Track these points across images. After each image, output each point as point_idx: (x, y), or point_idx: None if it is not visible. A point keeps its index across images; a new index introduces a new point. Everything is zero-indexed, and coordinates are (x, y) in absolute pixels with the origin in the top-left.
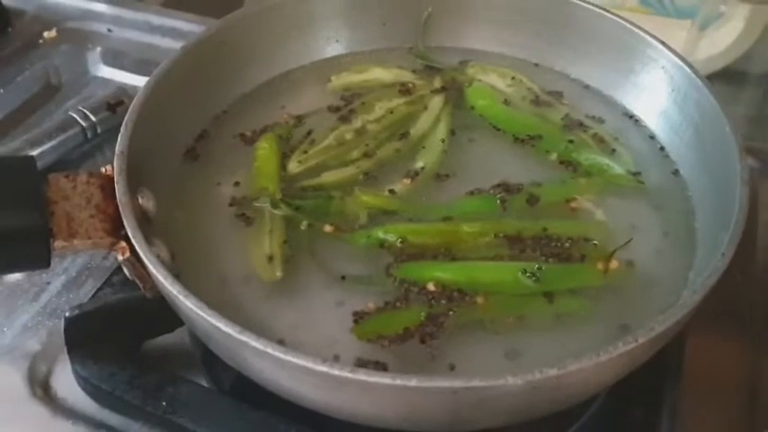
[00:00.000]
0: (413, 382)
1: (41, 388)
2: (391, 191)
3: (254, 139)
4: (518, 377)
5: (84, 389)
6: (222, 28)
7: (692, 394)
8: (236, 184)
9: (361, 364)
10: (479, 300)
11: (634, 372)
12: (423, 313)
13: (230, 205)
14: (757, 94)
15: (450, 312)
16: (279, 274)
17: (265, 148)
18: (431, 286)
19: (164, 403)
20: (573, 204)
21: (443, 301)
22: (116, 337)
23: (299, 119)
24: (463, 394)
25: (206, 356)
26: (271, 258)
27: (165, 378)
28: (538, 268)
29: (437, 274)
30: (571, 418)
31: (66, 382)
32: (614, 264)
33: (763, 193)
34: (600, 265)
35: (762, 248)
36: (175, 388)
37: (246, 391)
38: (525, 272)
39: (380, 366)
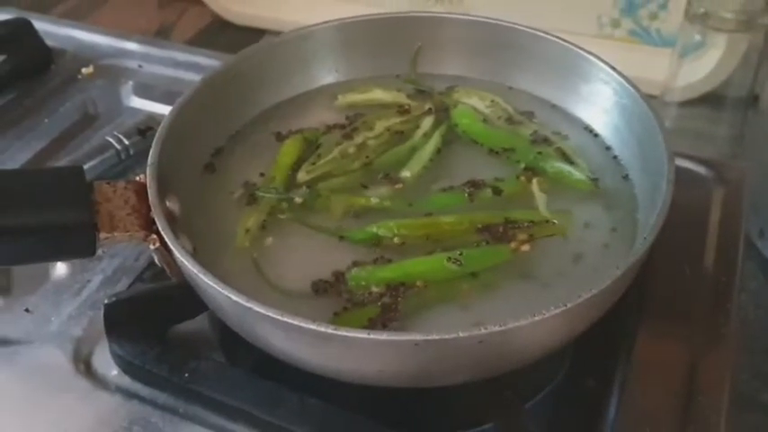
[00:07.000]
0: (384, 336)
1: (84, 365)
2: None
3: (286, 136)
4: (466, 332)
5: (119, 365)
6: (236, 62)
7: (641, 371)
8: (245, 184)
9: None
10: (419, 284)
11: (580, 344)
12: (378, 303)
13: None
14: (737, 116)
15: (399, 299)
16: (246, 244)
17: (289, 145)
18: (375, 288)
19: (186, 375)
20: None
21: (391, 294)
22: (147, 320)
23: (329, 128)
24: (424, 346)
25: (223, 339)
26: (247, 231)
27: (188, 355)
28: (459, 254)
29: (384, 274)
30: (537, 387)
31: (104, 360)
32: (526, 247)
33: (715, 198)
34: (513, 245)
35: (710, 247)
36: (196, 363)
37: (257, 366)
38: (450, 259)
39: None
